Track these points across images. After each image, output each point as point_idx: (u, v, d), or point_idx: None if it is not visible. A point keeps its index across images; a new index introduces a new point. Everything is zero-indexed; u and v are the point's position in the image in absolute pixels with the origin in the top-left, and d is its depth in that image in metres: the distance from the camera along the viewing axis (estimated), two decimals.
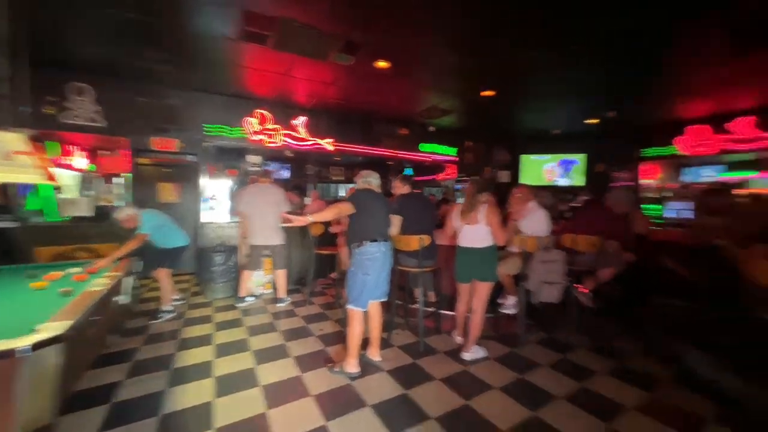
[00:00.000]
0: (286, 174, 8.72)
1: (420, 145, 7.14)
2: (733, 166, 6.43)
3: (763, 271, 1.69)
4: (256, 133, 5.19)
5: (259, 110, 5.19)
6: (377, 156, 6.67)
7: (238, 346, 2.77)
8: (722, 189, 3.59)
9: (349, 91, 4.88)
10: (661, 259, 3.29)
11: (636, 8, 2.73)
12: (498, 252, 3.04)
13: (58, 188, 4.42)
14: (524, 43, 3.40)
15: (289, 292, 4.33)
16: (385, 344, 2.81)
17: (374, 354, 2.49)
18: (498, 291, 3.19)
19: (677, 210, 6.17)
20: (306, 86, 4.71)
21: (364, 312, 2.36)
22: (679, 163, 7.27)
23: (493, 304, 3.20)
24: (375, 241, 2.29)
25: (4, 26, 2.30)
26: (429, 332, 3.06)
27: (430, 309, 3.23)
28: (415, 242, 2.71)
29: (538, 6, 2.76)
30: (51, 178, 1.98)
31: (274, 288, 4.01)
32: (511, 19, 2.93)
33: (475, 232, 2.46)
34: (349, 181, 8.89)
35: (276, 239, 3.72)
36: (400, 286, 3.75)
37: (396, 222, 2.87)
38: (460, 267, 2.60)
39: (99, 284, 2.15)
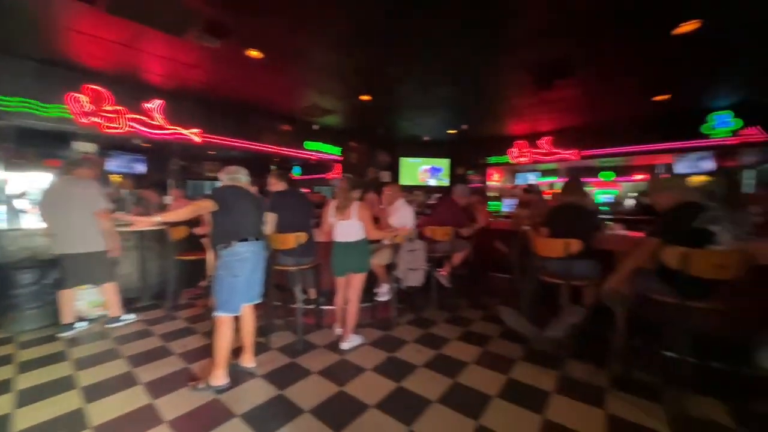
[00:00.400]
0: (140, 168, 7.23)
1: (305, 142, 7.02)
2: (545, 173, 8.77)
3: (541, 245, 2.41)
4: (87, 114, 4.10)
5: (91, 86, 4.12)
6: (259, 152, 6.24)
7: (56, 387, 2.16)
8: (530, 189, 4.89)
9: (219, 78, 4.40)
10: (495, 243, 4.21)
11: (470, 38, 3.39)
12: (371, 245, 3.31)
13: None
14: (392, 59, 3.79)
15: (146, 308, 3.64)
16: (262, 348, 2.69)
17: (248, 360, 2.35)
18: (374, 281, 3.47)
19: (510, 205, 7.91)
20: (162, 65, 4.01)
21: (236, 317, 2.20)
22: (513, 169, 9.40)
23: (370, 294, 3.46)
24: (245, 240, 2.17)
25: None
26: (310, 329, 3.07)
27: (310, 306, 3.25)
28: (292, 240, 2.68)
29: (402, 36, 3.13)
30: None
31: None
32: (385, 30, 3.21)
33: (348, 227, 2.61)
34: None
35: (87, 245, 2.91)
36: (279, 285, 3.63)
37: (271, 220, 2.77)
38: (336, 261, 2.71)
39: None
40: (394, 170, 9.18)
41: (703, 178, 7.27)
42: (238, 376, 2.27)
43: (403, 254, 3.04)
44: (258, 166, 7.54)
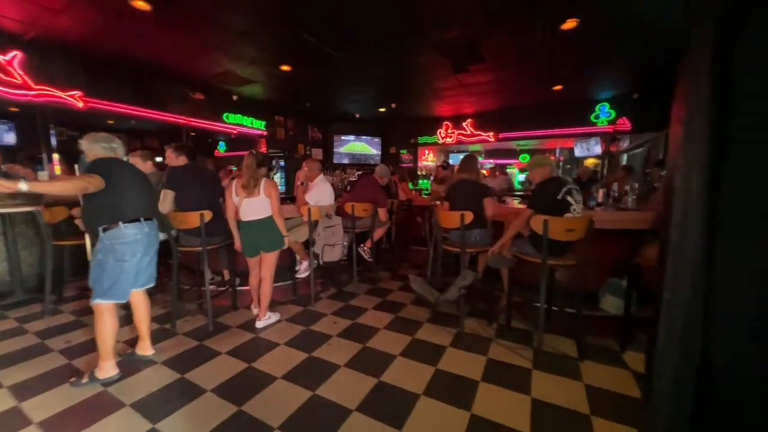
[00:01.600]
0: (8, 138, 5.91)
1: (225, 114, 6.42)
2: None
3: (442, 217, 2.64)
4: None
5: None
6: (170, 123, 5.53)
7: None
8: (445, 166, 5.27)
9: (99, 31, 3.71)
10: (417, 219, 4.46)
11: (389, 17, 3.40)
12: (288, 221, 3.25)
13: None
14: (312, 29, 3.61)
15: (20, 304, 3.10)
16: (168, 334, 2.53)
17: (144, 348, 2.19)
18: (295, 259, 3.44)
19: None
20: (15, 6, 3.22)
21: (124, 304, 2.02)
22: (444, 149, 9.91)
23: (291, 272, 3.44)
24: (134, 221, 1.95)
25: None
26: (225, 311, 2.97)
27: (224, 288, 3.12)
28: (195, 218, 2.50)
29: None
30: None
31: None
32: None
33: (255, 204, 2.51)
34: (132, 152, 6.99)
35: None
36: (188, 267, 3.39)
37: (168, 198, 2.53)
38: (245, 241, 2.61)
39: None
40: (328, 147, 8.98)
41: (594, 161, 8.60)
42: (133, 365, 2.11)
43: (321, 231, 3.06)
44: (171, 140, 6.72)
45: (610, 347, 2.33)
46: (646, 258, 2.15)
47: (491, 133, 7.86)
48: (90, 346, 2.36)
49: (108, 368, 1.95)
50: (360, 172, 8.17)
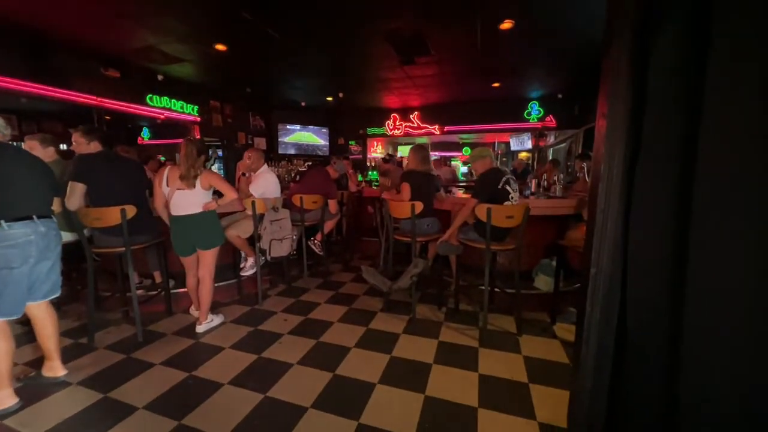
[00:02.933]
0: None
1: (148, 96, 5.65)
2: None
3: (393, 207, 2.68)
4: None
5: None
6: (77, 103, 4.68)
7: None
8: (388, 158, 5.35)
9: None
10: (368, 210, 4.45)
11: (341, 5, 3.27)
12: (229, 216, 3.02)
13: None
14: (251, 7, 3.31)
15: None
16: (85, 350, 2.19)
17: (53, 369, 1.86)
18: (238, 256, 3.21)
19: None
20: None
21: (21, 319, 1.68)
22: (392, 141, 10.00)
23: (235, 270, 3.21)
24: (25, 219, 1.62)
25: None
26: (158, 317, 2.66)
27: (154, 292, 2.79)
28: (114, 215, 2.17)
29: None
30: None
31: None
32: None
33: (190, 197, 2.26)
34: (22, 138, 5.82)
35: None
36: (108, 270, 2.99)
37: (77, 191, 2.16)
38: (178, 239, 2.35)
39: None
40: (271, 136, 8.47)
41: (526, 154, 9.42)
42: (39, 390, 1.79)
43: (267, 224, 2.88)
44: (79, 123, 5.73)
45: (543, 320, 2.60)
46: (570, 239, 2.42)
47: (437, 126, 8.14)
48: None
49: (3, 398, 1.62)
50: (309, 164, 7.89)
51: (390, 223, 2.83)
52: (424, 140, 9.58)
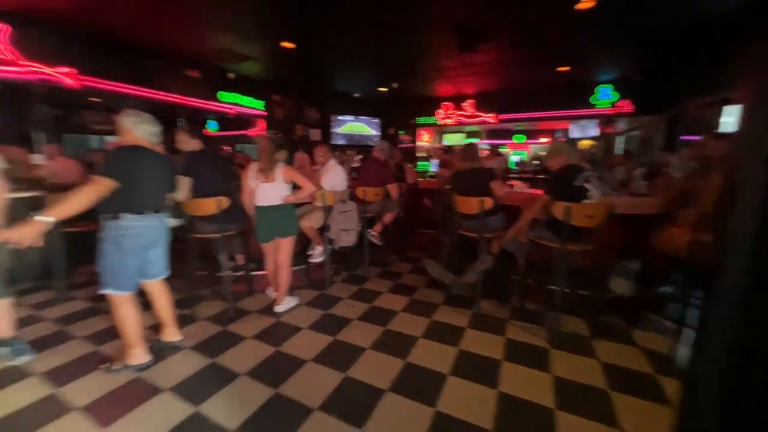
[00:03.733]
0: None
1: (219, 93, 6.17)
2: (469, 134, 9.35)
3: (460, 203, 2.68)
4: None
5: None
6: (161, 101, 5.29)
7: None
8: (448, 150, 5.26)
9: (90, 5, 3.46)
10: (424, 202, 4.49)
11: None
12: (303, 207, 3.24)
13: None
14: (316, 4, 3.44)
15: (29, 291, 3.07)
16: (188, 320, 2.55)
17: (171, 335, 2.21)
18: (307, 243, 3.46)
19: (437, 165, 8.37)
20: None
21: (140, 291, 2.01)
22: (441, 130, 9.81)
23: (304, 256, 3.46)
24: (140, 213, 1.88)
25: None
26: (242, 296, 2.99)
27: (239, 273, 3.13)
28: (212, 205, 2.46)
29: None
30: None
31: None
32: None
33: (272, 189, 2.48)
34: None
35: None
36: (202, 254, 3.38)
37: (185, 185, 2.48)
38: (261, 226, 2.60)
39: None
40: (325, 128, 8.78)
41: (589, 143, 8.67)
42: (162, 351, 2.14)
43: (336, 216, 3.06)
44: (161, 120, 6.45)
45: (619, 326, 2.46)
46: (662, 241, 2.24)
47: (492, 115, 7.81)
48: (114, 333, 2.37)
49: (139, 354, 1.98)
50: (360, 156, 8.08)
51: (455, 219, 2.84)
52: (475, 128, 9.26)
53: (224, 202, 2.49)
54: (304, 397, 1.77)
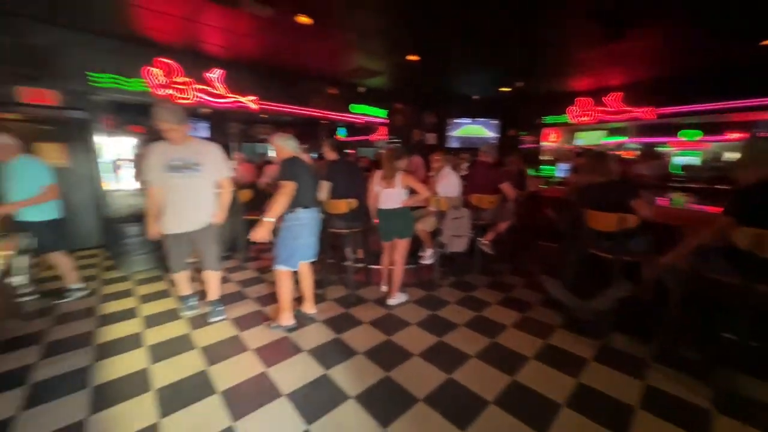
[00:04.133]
0: (204, 132, 7.90)
1: (351, 105, 7.06)
2: (612, 132, 7.84)
3: (594, 217, 2.34)
4: (161, 86, 4.55)
5: (162, 59, 4.51)
6: (307, 116, 6.45)
7: (169, 316, 2.77)
8: (581, 153, 4.53)
9: (272, 46, 4.55)
10: (546, 212, 4.10)
11: None
12: (418, 211, 3.44)
13: None
14: (442, 13, 3.57)
15: (222, 258, 4.28)
16: (319, 299, 3.08)
17: (309, 308, 2.74)
18: (419, 245, 3.65)
19: (564, 170, 7.39)
20: (219, 36, 4.23)
21: (295, 272, 2.55)
22: (572, 129, 8.59)
23: (415, 257, 3.68)
24: (306, 207, 2.43)
25: None
26: (360, 285, 3.41)
27: (359, 265, 3.57)
28: (344, 206, 2.91)
29: None
30: None
31: None
32: None
33: (392, 195, 2.76)
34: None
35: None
36: (333, 245, 4.00)
37: (325, 187, 3.01)
38: (382, 228, 2.92)
39: None
40: (441, 131, 8.91)
41: None
42: (301, 320, 2.67)
43: (448, 221, 3.14)
44: (306, 130, 7.88)
45: None
46: None
47: (648, 108, 6.36)
48: (271, 298, 3.10)
49: (288, 318, 2.54)
50: (467, 164, 7.93)
51: (587, 236, 2.51)
52: (620, 125, 7.68)
53: (353, 203, 2.92)
54: (411, 386, 1.94)
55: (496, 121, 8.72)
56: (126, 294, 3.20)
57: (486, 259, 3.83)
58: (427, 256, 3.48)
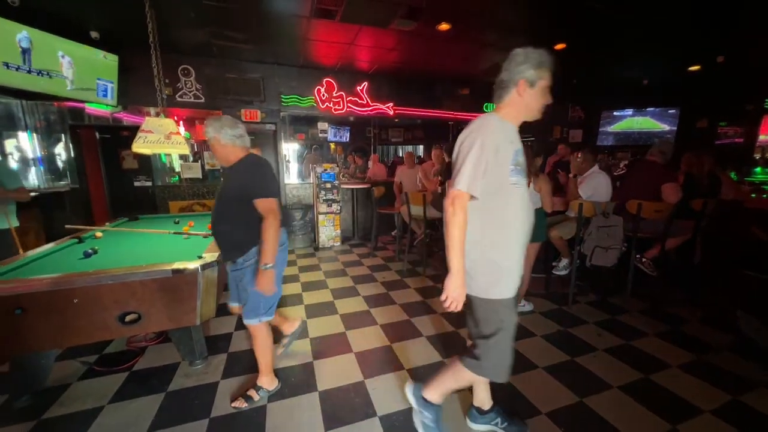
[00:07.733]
0: (345, 136, 9.19)
1: (485, 105, 6.87)
2: None
3: None
4: (324, 101, 5.60)
5: (326, 79, 5.54)
6: (439, 118, 6.66)
7: (318, 285, 3.45)
8: None
9: (410, 55, 4.91)
10: (751, 230, 3.03)
11: None
12: (554, 216, 3.12)
13: (185, 156, 5.46)
14: None
15: (356, 245, 4.98)
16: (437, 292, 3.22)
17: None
18: (554, 254, 3.29)
19: None
20: (369, 53, 4.88)
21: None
22: None
23: (546, 265, 3.34)
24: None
25: None
26: None
27: None
28: None
29: None
30: (190, 149, 2.63)
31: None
32: None
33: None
34: (408, 142, 9.07)
35: None
36: None
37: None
38: None
39: None
40: (591, 126, 7.59)
41: None
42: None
43: (594, 230, 2.72)
44: (435, 132, 8.13)
45: None
46: None
47: None
48: (392, 285, 3.42)
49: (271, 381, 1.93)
50: (626, 162, 6.47)
51: None
52: None
53: None
54: (533, 396, 1.83)
55: (674, 110, 6.81)
56: (291, 263, 4.15)
57: (644, 279, 3.12)
58: (561, 266, 3.10)
